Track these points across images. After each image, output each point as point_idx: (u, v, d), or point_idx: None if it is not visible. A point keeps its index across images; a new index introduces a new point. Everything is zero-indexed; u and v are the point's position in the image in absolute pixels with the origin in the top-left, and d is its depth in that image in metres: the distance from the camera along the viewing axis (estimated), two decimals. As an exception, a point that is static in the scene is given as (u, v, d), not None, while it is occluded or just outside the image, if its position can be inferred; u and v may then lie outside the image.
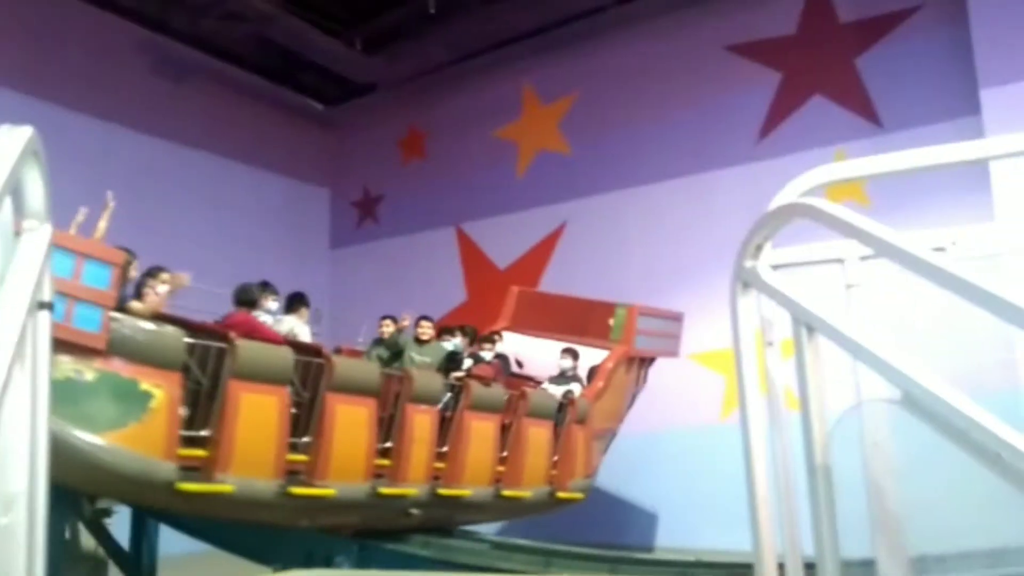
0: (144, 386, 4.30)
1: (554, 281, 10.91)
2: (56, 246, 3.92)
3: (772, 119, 9.82)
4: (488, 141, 11.74)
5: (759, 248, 2.14)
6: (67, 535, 5.14)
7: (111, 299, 4.23)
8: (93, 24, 10.21)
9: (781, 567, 2.13)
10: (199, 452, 4.49)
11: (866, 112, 9.31)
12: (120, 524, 5.61)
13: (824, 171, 2.18)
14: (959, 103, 8.42)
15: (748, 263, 2.13)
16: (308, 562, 5.29)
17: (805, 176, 2.19)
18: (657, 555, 7.92)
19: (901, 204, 8.09)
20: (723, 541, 6.32)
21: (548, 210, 11.13)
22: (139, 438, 4.25)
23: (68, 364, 4.10)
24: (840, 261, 2.27)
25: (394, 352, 6.50)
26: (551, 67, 11.26)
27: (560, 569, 5.81)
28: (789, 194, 2.22)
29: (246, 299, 5.31)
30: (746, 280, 2.13)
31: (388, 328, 6.78)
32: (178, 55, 10.97)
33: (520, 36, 10.88)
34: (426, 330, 6.62)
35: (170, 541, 5.71)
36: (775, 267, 2.31)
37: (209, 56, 11.09)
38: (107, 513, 5.53)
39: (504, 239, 11.45)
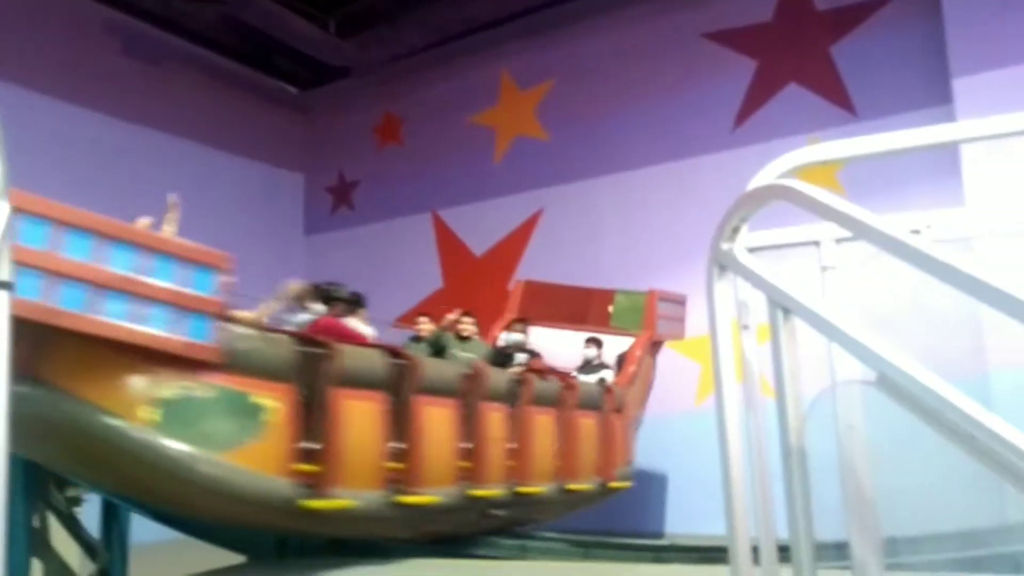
0: (259, 399, 4.10)
1: (531, 268, 10.89)
2: (157, 251, 3.77)
3: (748, 106, 9.85)
4: (465, 127, 11.67)
5: (736, 230, 2.13)
6: (36, 524, 5.04)
7: (218, 306, 4.01)
8: (60, 3, 9.98)
9: (755, 550, 2.14)
10: (312, 467, 4.29)
11: (840, 100, 9.36)
12: (89, 512, 5.52)
13: (802, 153, 2.17)
14: (932, 92, 8.51)
15: (725, 245, 2.12)
16: (281, 552, 5.23)
17: (783, 158, 2.18)
18: (631, 540, 7.97)
19: (873, 191, 8.15)
20: (710, 526, 6.36)
21: (525, 196, 11.10)
22: (258, 455, 4.06)
23: (179, 380, 3.90)
24: (816, 243, 2.26)
25: (436, 350, 6.40)
26: (528, 53, 11.21)
27: (536, 555, 5.82)
28: (767, 176, 2.21)
29: (333, 298, 5.18)
30: (722, 262, 2.13)
31: (426, 325, 6.71)
32: (148, 37, 10.77)
33: (497, 22, 10.79)
34: (468, 326, 6.57)
35: (140, 530, 5.64)
36: (751, 250, 2.30)
37: (180, 38, 10.90)
38: (77, 502, 5.44)
39: (481, 225, 11.41)
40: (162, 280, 3.83)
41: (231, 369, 4.03)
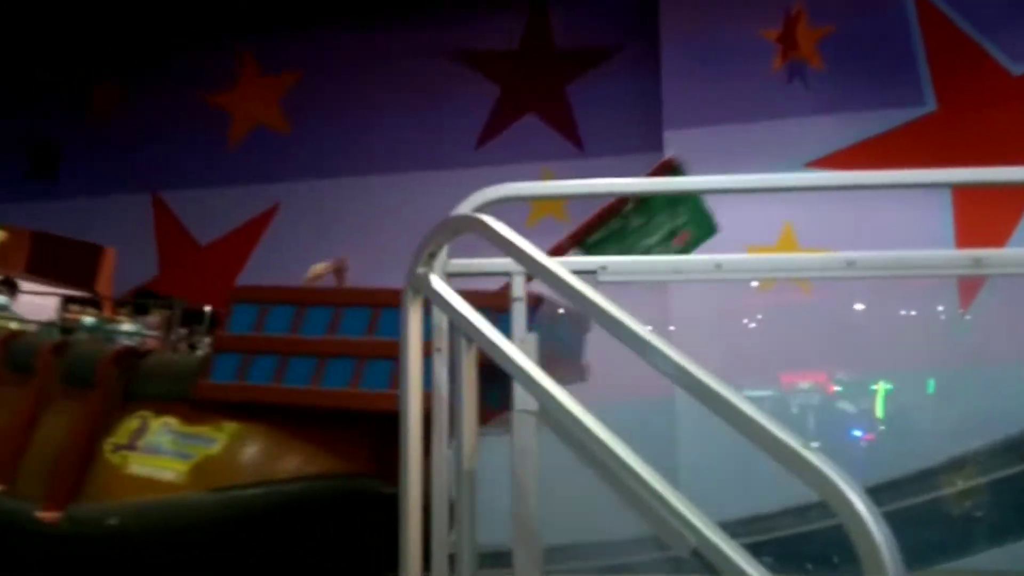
0: None
1: (263, 263, 10.43)
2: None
3: (489, 129, 10.30)
4: (197, 105, 10.85)
5: (432, 255, 2.21)
6: None
7: None
8: None
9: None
10: None
11: (571, 136, 10.12)
12: None
13: (497, 189, 2.32)
14: (647, 139, 9.45)
15: (420, 269, 2.19)
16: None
17: (480, 192, 2.31)
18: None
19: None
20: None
21: (261, 188, 10.60)
22: None
23: None
24: (508, 275, 2.42)
25: None
26: (276, 38, 10.71)
27: None
28: (466, 207, 2.33)
29: None
30: (416, 286, 2.19)
31: None
32: None
33: None
34: None
35: None
36: (451, 275, 2.40)
37: None
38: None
39: (208, 213, 10.68)
40: None
41: None
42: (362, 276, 9.88)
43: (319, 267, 5.43)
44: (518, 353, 1.95)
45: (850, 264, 2.18)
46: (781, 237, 8.72)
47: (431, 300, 2.19)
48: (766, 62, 9.19)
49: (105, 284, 7.63)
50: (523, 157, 9.91)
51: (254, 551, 3.95)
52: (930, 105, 8.70)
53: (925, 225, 7.93)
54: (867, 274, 2.15)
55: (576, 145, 10.12)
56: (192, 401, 4.11)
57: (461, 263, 2.38)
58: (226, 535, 3.84)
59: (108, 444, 4.20)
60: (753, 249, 7.15)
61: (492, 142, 10.27)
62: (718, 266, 2.27)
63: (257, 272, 10.44)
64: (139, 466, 4.06)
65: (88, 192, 10.90)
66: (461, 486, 2.08)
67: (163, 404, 4.23)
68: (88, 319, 6.81)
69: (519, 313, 2.38)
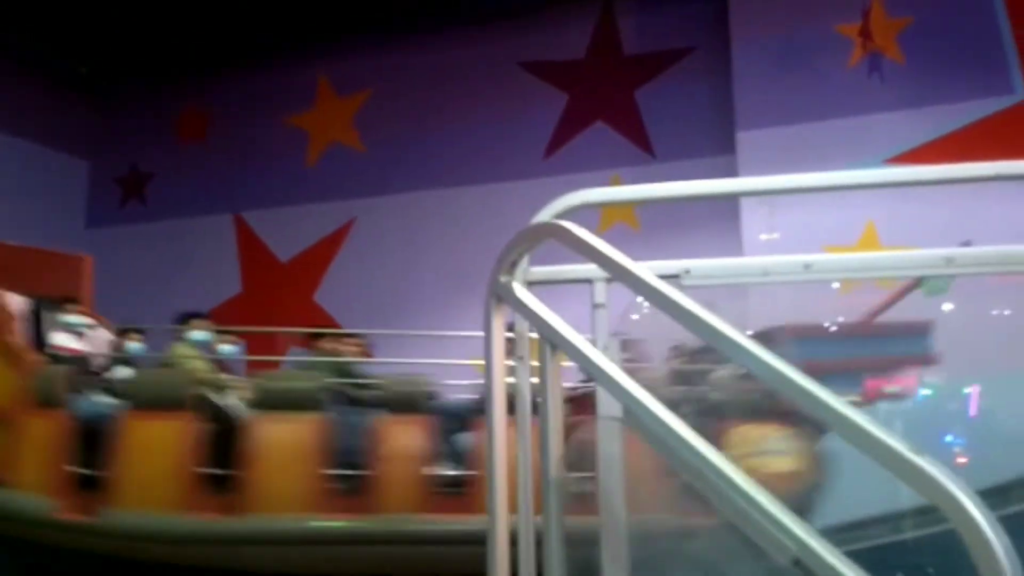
0: None
1: (339, 277, 10.69)
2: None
3: (558, 138, 10.31)
4: (277, 128, 11.23)
5: (514, 264, 2.21)
6: None
7: None
8: None
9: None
10: None
11: (641, 142, 10.03)
12: None
13: (577, 196, 2.30)
14: (719, 142, 9.33)
15: (503, 278, 2.19)
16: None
17: (561, 199, 2.30)
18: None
19: (665, 231, 8.84)
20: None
21: (337, 205, 10.88)
22: None
23: None
24: (589, 281, 2.39)
25: None
26: (347, 60, 11.02)
27: None
28: (547, 213, 2.32)
29: None
30: (499, 294, 2.19)
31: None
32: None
33: (316, 24, 10.53)
34: None
35: None
36: (531, 284, 2.39)
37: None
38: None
39: (288, 231, 11.03)
40: None
41: None
42: (436, 287, 10.07)
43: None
44: (602, 358, 1.92)
45: (949, 261, 2.08)
46: (862, 237, 8.43)
47: (514, 308, 2.19)
48: (842, 57, 8.93)
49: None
50: (593, 165, 9.87)
51: None
52: (1019, 93, 8.29)
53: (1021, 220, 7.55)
54: (967, 271, 2.05)
55: (646, 151, 10.03)
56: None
57: (542, 271, 2.37)
58: None
59: (731, 456, 4.85)
60: (831, 250, 6.94)
61: (561, 151, 10.28)
62: (807, 266, 2.19)
63: (334, 285, 10.72)
64: (773, 466, 4.80)
65: (176, 215, 11.40)
66: (548, 496, 2.06)
67: (756, 419, 4.94)
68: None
69: (601, 319, 2.36)
